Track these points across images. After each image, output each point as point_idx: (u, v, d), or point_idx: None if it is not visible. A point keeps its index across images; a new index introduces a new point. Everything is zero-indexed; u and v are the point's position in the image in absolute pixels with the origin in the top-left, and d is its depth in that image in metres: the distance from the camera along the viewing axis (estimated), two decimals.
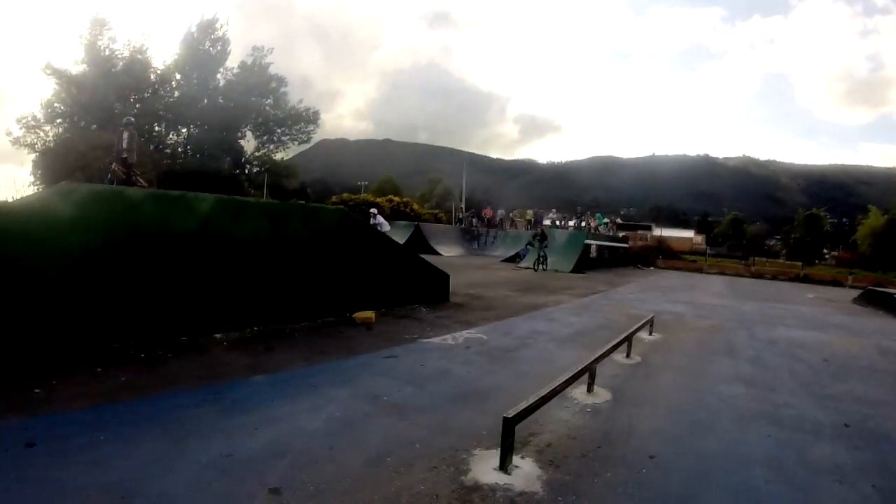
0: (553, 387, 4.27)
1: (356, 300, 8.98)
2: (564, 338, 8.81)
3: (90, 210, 6.09)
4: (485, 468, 3.64)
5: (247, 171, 50.31)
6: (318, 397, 4.96)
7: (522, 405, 3.75)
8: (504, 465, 3.61)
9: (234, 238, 7.47)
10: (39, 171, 37.71)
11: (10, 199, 17.70)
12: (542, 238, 24.88)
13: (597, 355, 5.72)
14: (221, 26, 47.59)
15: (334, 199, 45.15)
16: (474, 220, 41.55)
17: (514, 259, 27.75)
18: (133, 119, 16.64)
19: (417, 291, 10.70)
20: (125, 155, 14.34)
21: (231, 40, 47.83)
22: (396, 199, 48.20)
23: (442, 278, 11.52)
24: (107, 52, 42.22)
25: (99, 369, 5.21)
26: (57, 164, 34.23)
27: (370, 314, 8.65)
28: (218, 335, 6.88)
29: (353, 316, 8.58)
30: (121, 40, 43.23)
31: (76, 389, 4.65)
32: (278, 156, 51.61)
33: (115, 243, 6.21)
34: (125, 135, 14.46)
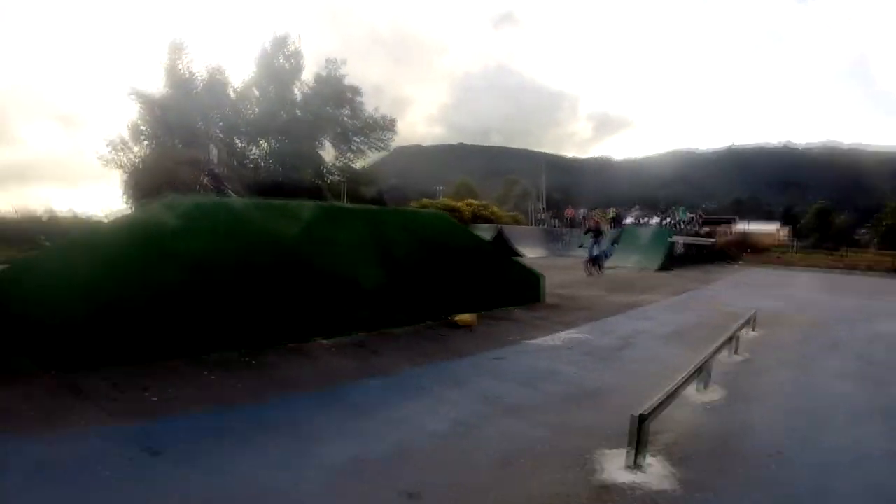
0: (676, 384, 4.21)
1: (454, 303, 8.97)
2: (666, 336, 8.66)
3: (196, 220, 6.34)
4: (614, 467, 3.62)
5: (326, 180, 51.24)
6: (435, 399, 5.03)
7: (653, 403, 3.70)
8: (636, 464, 3.58)
9: (334, 243, 7.63)
10: (130, 189, 39.53)
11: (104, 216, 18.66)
12: (595, 235, 20.30)
13: (708, 353, 5.61)
14: (293, 42, 48.83)
15: (413, 204, 45.45)
16: (556, 221, 40.98)
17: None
18: (221, 134, 17.31)
19: (512, 293, 10.64)
20: (214, 168, 14.92)
21: (304, 54, 49.03)
22: (475, 202, 48.08)
23: (534, 279, 11.42)
24: (187, 75, 43.96)
25: (209, 374, 5.30)
26: (146, 180, 35.78)
27: (470, 317, 8.62)
28: (324, 341, 6.99)
29: (454, 319, 8.55)
30: (199, 62, 44.93)
31: (191, 394, 4.74)
32: (358, 164, 52.41)
33: (221, 251, 6.42)
34: (213, 149, 15.08)
